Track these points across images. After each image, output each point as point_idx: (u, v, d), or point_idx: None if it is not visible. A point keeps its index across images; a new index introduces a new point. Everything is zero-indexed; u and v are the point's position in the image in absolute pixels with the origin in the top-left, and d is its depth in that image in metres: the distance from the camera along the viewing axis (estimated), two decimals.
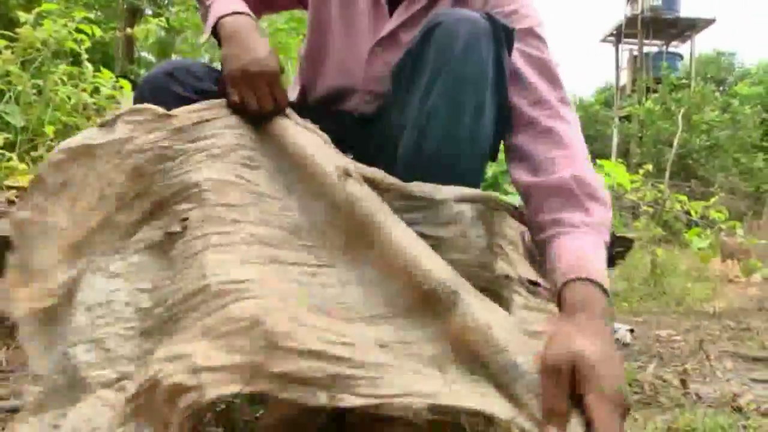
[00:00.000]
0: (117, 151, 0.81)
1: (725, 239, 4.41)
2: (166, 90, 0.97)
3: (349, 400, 0.59)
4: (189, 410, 0.59)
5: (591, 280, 0.72)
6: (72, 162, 0.81)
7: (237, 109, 0.90)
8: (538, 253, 0.87)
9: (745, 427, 0.96)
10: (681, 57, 17.86)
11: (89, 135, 0.84)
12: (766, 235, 5.30)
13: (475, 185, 0.90)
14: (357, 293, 0.73)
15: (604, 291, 0.72)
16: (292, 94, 1.19)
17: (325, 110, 1.12)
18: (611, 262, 1.44)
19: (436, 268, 0.71)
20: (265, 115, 0.90)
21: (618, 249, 1.37)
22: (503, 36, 0.88)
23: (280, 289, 0.69)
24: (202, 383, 0.59)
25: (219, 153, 0.83)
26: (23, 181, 2.49)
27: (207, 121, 0.87)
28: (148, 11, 14.05)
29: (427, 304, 0.70)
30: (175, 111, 0.87)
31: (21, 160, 2.69)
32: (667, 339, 1.80)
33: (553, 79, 0.96)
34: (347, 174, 0.79)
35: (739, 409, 1.06)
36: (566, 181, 0.85)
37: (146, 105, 0.86)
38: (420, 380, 0.63)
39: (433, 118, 0.85)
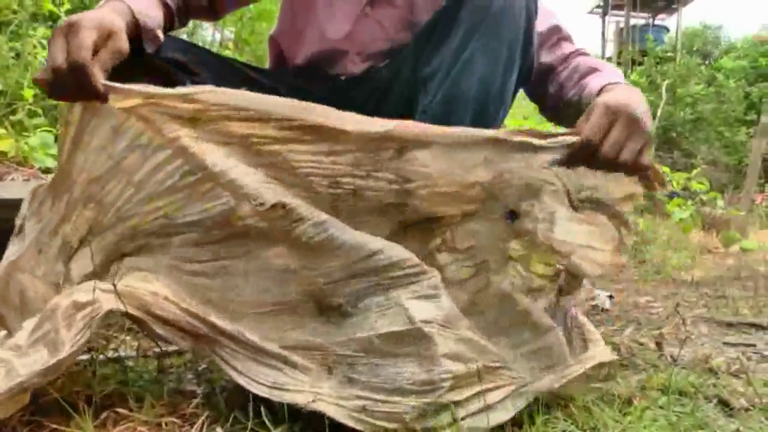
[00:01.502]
0: None
1: (705, 210, 4.49)
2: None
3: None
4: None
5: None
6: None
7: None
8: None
9: (714, 385, 0.99)
10: (667, 30, 17.83)
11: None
12: (745, 206, 5.39)
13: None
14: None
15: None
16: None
17: (308, 74, 1.11)
18: None
19: None
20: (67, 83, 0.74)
21: None
22: (533, 4, 0.93)
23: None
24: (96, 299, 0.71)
25: None
26: (3, 145, 2.45)
27: None
28: None
29: None
30: None
31: (0, 124, 2.65)
32: (645, 305, 1.84)
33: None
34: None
35: (710, 370, 1.10)
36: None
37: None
38: None
39: (470, 65, 0.89)
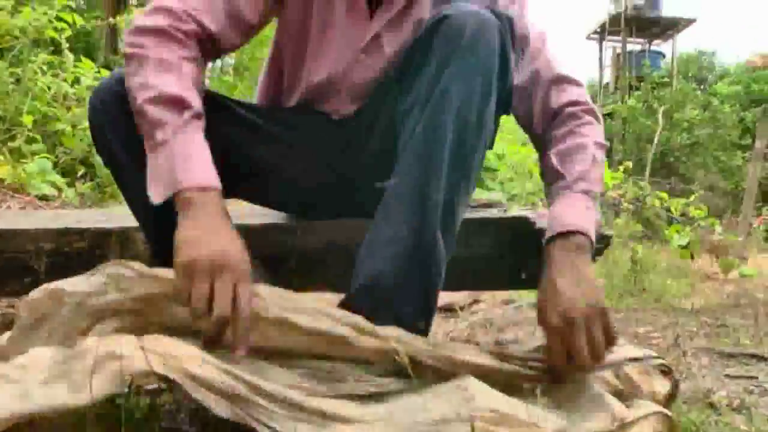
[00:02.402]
0: (78, 303, 0.80)
1: (704, 236, 4.48)
2: (118, 100, 0.92)
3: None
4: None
5: (560, 234, 0.92)
6: (47, 300, 0.81)
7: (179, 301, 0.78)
8: None
9: (716, 422, 0.97)
10: (663, 55, 18.03)
11: (70, 281, 0.82)
12: (743, 232, 5.39)
13: (479, 167, 0.95)
14: None
15: (576, 233, 0.92)
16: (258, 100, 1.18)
17: (300, 111, 1.11)
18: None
19: None
20: (212, 334, 0.76)
21: (596, 246, 1.37)
22: (507, 25, 0.91)
23: None
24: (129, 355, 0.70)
25: None
26: (0, 172, 2.45)
27: None
28: (133, 0, 13.88)
29: None
30: (159, 272, 0.81)
31: None
32: (645, 335, 1.82)
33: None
34: None
35: (712, 405, 1.08)
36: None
37: (131, 264, 0.82)
38: None
39: (445, 97, 0.88)
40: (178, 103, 0.87)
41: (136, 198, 0.94)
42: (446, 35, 0.88)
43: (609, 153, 14.19)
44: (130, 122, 0.90)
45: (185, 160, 0.84)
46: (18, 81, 3.18)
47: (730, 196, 11.89)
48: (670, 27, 17.28)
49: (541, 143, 1.09)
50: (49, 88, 3.10)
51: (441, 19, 0.89)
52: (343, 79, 1.05)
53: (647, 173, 4.43)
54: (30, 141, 2.76)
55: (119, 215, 1.29)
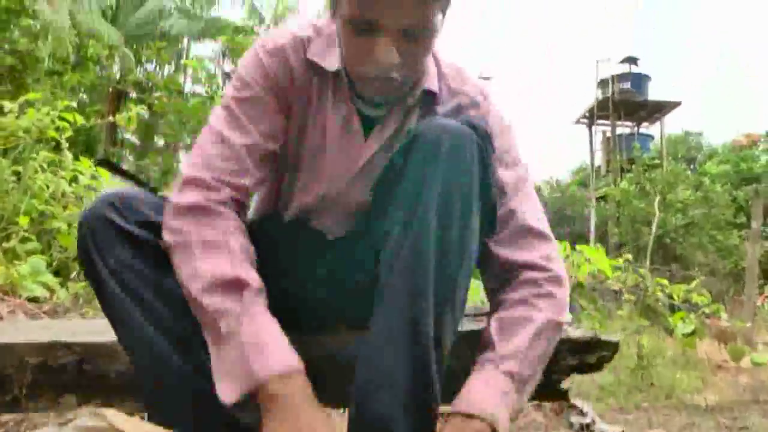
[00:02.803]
0: None
1: (709, 322, 4.40)
2: (106, 225, 0.89)
3: None
4: None
5: (460, 414, 0.83)
6: None
7: None
8: None
9: None
10: (652, 137, 18.52)
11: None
12: (749, 316, 5.30)
13: (464, 290, 0.89)
14: None
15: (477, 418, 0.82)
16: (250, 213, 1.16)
17: (294, 228, 1.08)
18: (598, 366, 1.39)
19: None
20: None
21: (603, 353, 1.32)
22: (486, 140, 0.89)
23: None
24: None
25: None
26: None
27: None
28: (132, 94, 14.34)
29: None
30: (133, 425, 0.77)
31: None
32: None
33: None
34: None
35: None
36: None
37: (105, 412, 0.78)
38: None
39: (423, 220, 0.84)
40: (235, 286, 0.84)
41: (127, 333, 0.90)
42: (422, 154, 0.86)
43: (604, 236, 14.29)
44: (121, 249, 0.88)
45: (259, 349, 0.80)
46: (18, 179, 3.20)
47: (731, 276, 11.84)
48: (656, 110, 17.84)
49: (490, 300, 1.00)
50: (47, 186, 3.11)
51: (416, 136, 0.87)
52: (338, 199, 1.04)
53: (647, 260, 4.40)
54: (24, 240, 2.74)
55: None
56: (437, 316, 0.84)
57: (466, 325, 1.08)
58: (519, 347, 0.89)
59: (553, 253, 0.98)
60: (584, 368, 1.38)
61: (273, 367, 0.79)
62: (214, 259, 0.85)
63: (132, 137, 14.68)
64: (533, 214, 0.99)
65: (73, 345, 1.18)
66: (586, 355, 1.34)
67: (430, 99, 1.01)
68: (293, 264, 1.07)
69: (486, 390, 0.86)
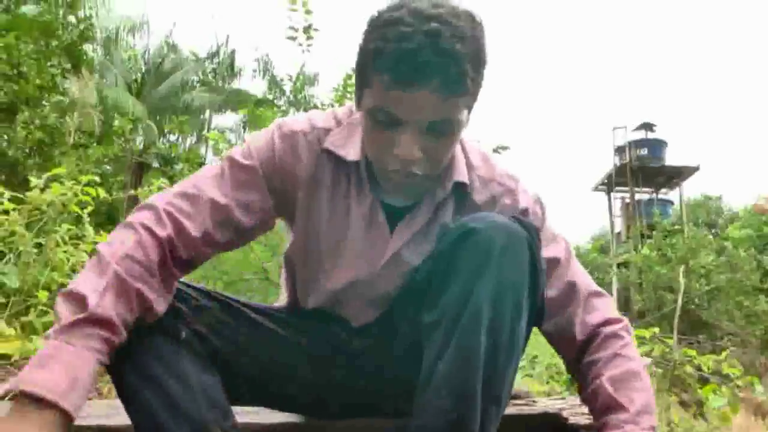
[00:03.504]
0: None
1: (743, 395, 4.21)
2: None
3: None
4: None
5: None
6: None
7: None
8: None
9: None
10: (672, 203, 18.41)
11: None
12: None
13: (510, 389, 0.89)
14: None
15: None
16: (281, 299, 1.15)
17: (318, 316, 1.07)
18: None
19: None
20: None
21: None
22: (534, 236, 0.89)
23: None
24: None
25: None
26: (8, 348, 2.39)
27: None
28: (156, 164, 14.70)
29: None
30: None
31: (9, 324, 2.62)
32: None
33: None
34: None
35: None
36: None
37: None
38: None
39: (475, 316, 0.83)
40: (78, 301, 0.82)
41: (140, 418, 0.88)
42: (475, 250, 0.85)
43: (627, 302, 14.05)
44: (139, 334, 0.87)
45: (42, 363, 0.77)
46: (40, 251, 3.23)
47: (762, 342, 11.46)
48: (675, 176, 17.81)
49: (578, 363, 1.03)
50: (68, 260, 3.14)
51: (468, 232, 0.87)
52: (363, 290, 1.02)
53: (675, 330, 4.26)
54: (42, 314, 2.73)
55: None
56: (483, 417, 0.82)
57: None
58: (646, 401, 0.93)
59: (613, 305, 1.06)
60: None
61: (33, 383, 0.75)
62: (93, 273, 0.84)
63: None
64: (587, 277, 1.06)
65: (86, 429, 1.15)
66: None
67: (462, 190, 1.00)
68: (320, 350, 1.06)
69: None
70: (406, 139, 0.85)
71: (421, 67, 0.81)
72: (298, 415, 1.15)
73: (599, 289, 1.06)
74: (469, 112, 0.90)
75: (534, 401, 1.27)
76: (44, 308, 2.72)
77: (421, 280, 0.96)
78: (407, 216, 0.99)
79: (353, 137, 0.98)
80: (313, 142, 0.99)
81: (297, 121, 1.02)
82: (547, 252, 0.99)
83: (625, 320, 1.04)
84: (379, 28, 0.85)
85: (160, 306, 0.89)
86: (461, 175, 0.99)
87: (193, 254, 0.94)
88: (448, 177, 0.98)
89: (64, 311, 0.81)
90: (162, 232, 0.90)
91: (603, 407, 0.95)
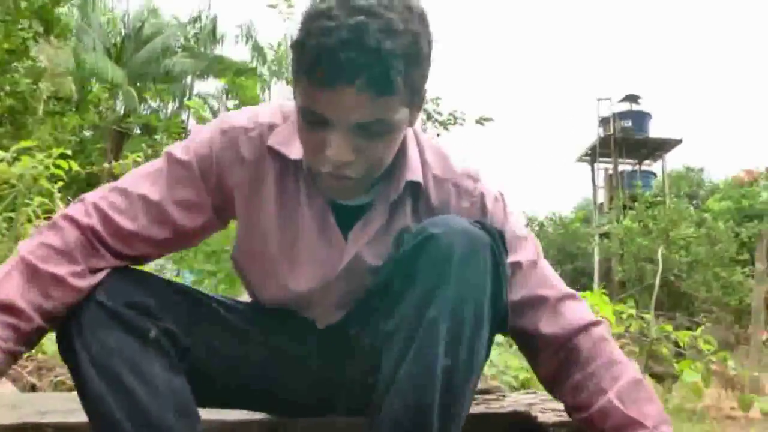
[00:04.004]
0: None
1: (717, 369, 4.29)
2: (93, 306, 0.86)
3: None
4: None
5: None
6: None
7: None
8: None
9: None
10: (654, 175, 18.54)
11: None
12: (755, 362, 5.18)
13: (469, 400, 0.86)
14: None
15: None
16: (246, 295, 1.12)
17: (285, 316, 1.03)
18: None
19: None
20: None
21: None
22: (499, 240, 0.85)
23: None
24: None
25: None
26: None
27: None
28: (137, 130, 14.47)
29: None
30: None
31: None
32: None
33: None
34: None
35: None
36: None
37: None
38: None
39: (432, 329, 0.80)
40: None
41: (100, 423, 0.85)
42: (433, 258, 0.81)
43: (608, 273, 14.21)
44: (107, 333, 0.85)
45: None
46: (10, 226, 3.16)
47: (736, 313, 11.70)
48: (658, 148, 17.89)
49: (563, 377, 0.97)
50: None
51: (427, 238, 0.82)
52: (326, 293, 0.98)
53: (652, 304, 4.31)
54: None
55: None
56: (440, 426, 0.79)
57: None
58: (659, 409, 0.91)
59: (580, 298, 1.00)
60: None
61: None
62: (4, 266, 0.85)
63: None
64: (557, 280, 1.00)
65: (44, 426, 1.12)
66: None
67: (417, 190, 0.95)
68: (289, 349, 1.02)
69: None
70: (336, 140, 0.80)
71: (342, 65, 0.75)
72: (261, 413, 1.13)
73: (571, 291, 1.00)
74: (414, 110, 0.85)
75: (504, 395, 1.25)
76: None
77: (380, 284, 0.92)
78: (361, 220, 0.95)
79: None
80: (255, 138, 0.94)
81: (239, 116, 0.96)
82: (512, 256, 0.94)
83: (603, 320, 0.99)
84: (306, 20, 0.79)
85: (81, 282, 0.86)
86: (414, 173, 0.93)
87: (127, 247, 0.91)
88: (400, 176, 0.92)
89: None
90: (85, 220, 0.88)
91: (617, 427, 0.90)
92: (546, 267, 1.01)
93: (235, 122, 0.95)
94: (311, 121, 0.81)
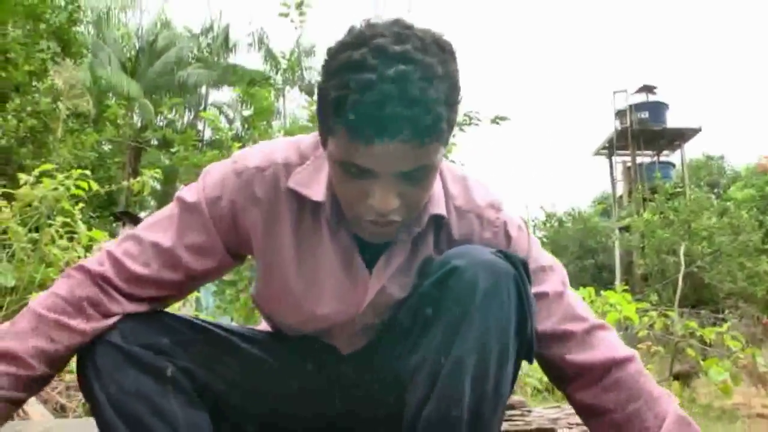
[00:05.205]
0: None
1: (746, 366, 4.22)
2: (108, 348, 0.88)
3: None
4: None
5: None
6: None
7: None
8: None
9: None
10: (673, 165, 18.29)
11: None
12: None
13: (498, 430, 0.87)
14: None
15: None
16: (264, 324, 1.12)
17: (307, 344, 1.03)
18: None
19: None
20: None
21: None
22: (522, 270, 0.84)
23: None
24: None
25: None
26: None
27: None
28: (154, 141, 14.61)
29: None
30: None
31: None
32: None
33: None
34: None
35: None
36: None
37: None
38: None
39: (459, 365, 0.80)
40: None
41: None
42: (457, 293, 0.81)
43: (629, 266, 13.99)
44: (123, 374, 0.87)
45: None
46: (34, 248, 3.20)
47: (761, 303, 11.50)
48: (676, 138, 17.66)
49: (593, 402, 0.95)
50: (63, 256, 3.11)
51: (450, 271, 0.82)
52: (349, 324, 0.98)
53: (676, 304, 4.25)
54: None
55: None
56: None
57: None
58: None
59: (611, 328, 0.98)
60: None
61: None
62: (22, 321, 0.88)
63: (154, 183, 14.90)
64: (584, 313, 0.97)
65: None
66: None
67: (440, 222, 0.95)
68: (311, 379, 1.02)
69: None
70: (380, 190, 0.79)
71: (388, 119, 0.73)
72: None
73: (600, 321, 0.97)
74: (446, 145, 0.84)
75: (529, 411, 1.25)
76: None
77: (405, 317, 0.92)
78: (384, 254, 0.94)
79: (319, 175, 0.92)
80: (269, 177, 0.93)
81: (253, 155, 0.95)
82: (537, 287, 0.92)
83: (635, 353, 0.96)
84: (339, 71, 0.76)
85: (86, 326, 0.88)
86: (438, 207, 0.93)
87: (141, 291, 0.92)
88: (423, 210, 0.91)
89: None
90: (96, 268, 0.91)
91: None
92: (573, 296, 0.99)
93: (249, 162, 0.94)
94: (353, 172, 0.80)
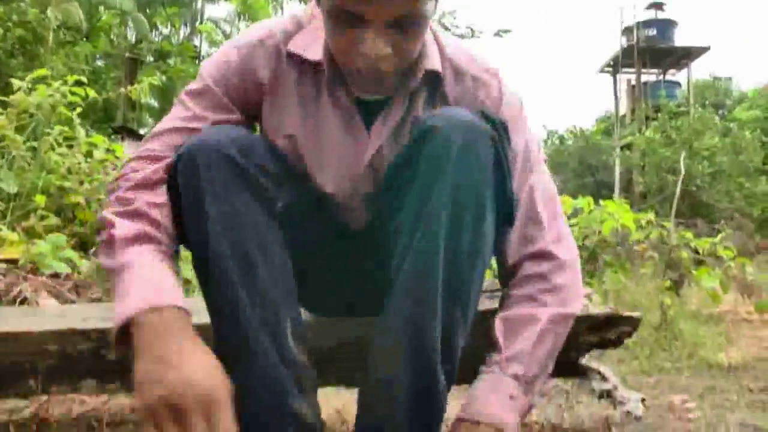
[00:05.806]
0: None
1: (736, 275, 4.32)
2: (226, 162, 0.83)
3: None
4: None
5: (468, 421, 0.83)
6: None
7: None
8: None
9: None
10: (679, 84, 18.00)
11: None
12: None
13: (477, 293, 0.87)
14: None
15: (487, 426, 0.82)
16: None
17: (319, 219, 1.03)
18: (618, 342, 1.36)
19: None
20: None
21: (623, 329, 1.29)
22: (503, 132, 0.85)
23: None
24: None
25: None
26: (14, 253, 2.44)
27: None
28: (150, 58, 14.29)
29: None
30: None
31: (12, 229, 2.65)
32: (681, 407, 1.71)
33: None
34: None
35: None
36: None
37: None
38: None
39: (434, 223, 0.80)
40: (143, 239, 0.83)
41: (221, 306, 0.84)
42: (431, 151, 0.81)
43: (629, 184, 14.02)
44: (238, 195, 0.83)
45: (132, 284, 0.78)
46: (34, 155, 3.21)
47: (756, 222, 11.63)
48: (683, 56, 17.30)
49: (501, 288, 0.98)
50: (63, 162, 3.12)
51: (427, 131, 0.82)
52: (353, 192, 0.99)
53: (672, 215, 4.28)
54: (42, 217, 2.76)
55: None
56: (447, 320, 0.82)
57: (485, 304, 1.05)
58: (524, 349, 0.87)
59: (561, 233, 0.95)
60: (604, 344, 1.36)
61: (138, 304, 0.76)
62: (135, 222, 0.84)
63: (151, 100, 14.68)
64: (543, 194, 0.96)
65: (89, 332, 1.20)
66: (605, 331, 1.31)
67: (435, 80, 0.95)
68: (319, 254, 1.03)
69: (492, 395, 0.85)
70: (371, 37, 0.80)
71: None
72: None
73: (552, 211, 0.95)
74: (435, 2, 0.84)
75: None
76: (44, 212, 2.73)
77: (385, 183, 0.93)
78: (382, 112, 0.94)
79: (316, 39, 0.93)
80: (270, 47, 0.95)
81: (252, 31, 0.97)
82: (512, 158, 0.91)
83: (563, 256, 0.93)
84: None
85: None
86: (433, 63, 0.93)
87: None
88: (419, 66, 0.92)
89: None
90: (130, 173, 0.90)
91: (488, 349, 0.91)
92: (542, 177, 0.98)
93: (249, 37, 0.96)
94: (345, 20, 0.81)
